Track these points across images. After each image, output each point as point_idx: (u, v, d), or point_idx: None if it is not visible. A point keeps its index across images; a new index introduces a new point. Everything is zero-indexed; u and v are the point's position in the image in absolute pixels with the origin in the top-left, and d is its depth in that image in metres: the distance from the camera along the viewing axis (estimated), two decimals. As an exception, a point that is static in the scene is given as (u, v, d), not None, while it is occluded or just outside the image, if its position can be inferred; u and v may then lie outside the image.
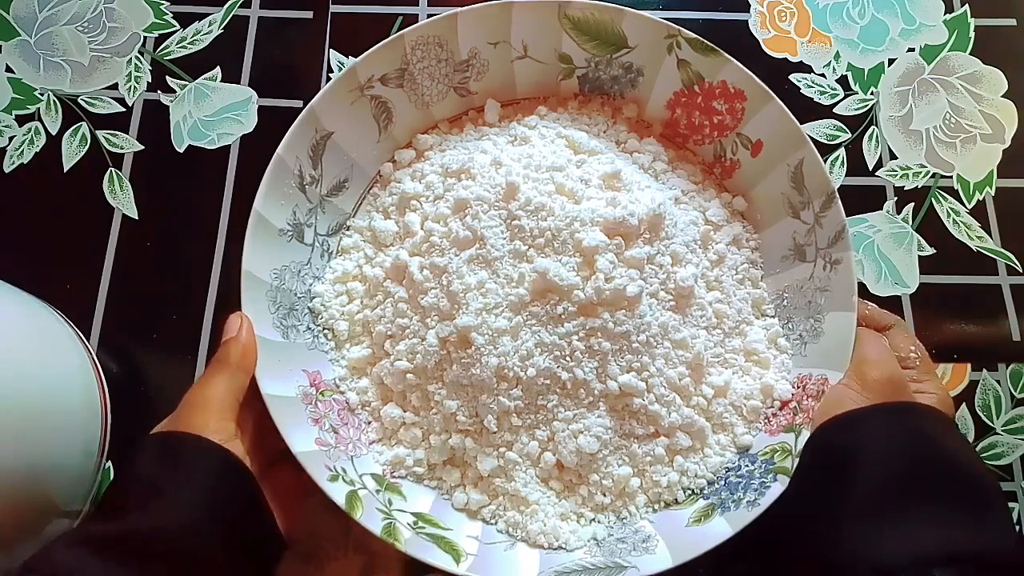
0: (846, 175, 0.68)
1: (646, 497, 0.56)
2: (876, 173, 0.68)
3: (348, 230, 0.62)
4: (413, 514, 0.54)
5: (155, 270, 0.65)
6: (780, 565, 0.52)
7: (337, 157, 0.60)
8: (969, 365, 0.64)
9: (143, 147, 0.67)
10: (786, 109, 0.59)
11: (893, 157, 0.68)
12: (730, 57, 0.59)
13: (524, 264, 0.55)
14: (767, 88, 0.59)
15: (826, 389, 0.54)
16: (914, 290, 0.66)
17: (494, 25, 0.61)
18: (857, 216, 0.68)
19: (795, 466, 0.51)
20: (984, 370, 0.64)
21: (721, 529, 0.51)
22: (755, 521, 0.50)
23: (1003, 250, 0.63)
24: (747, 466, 0.55)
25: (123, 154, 0.65)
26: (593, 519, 0.55)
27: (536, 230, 0.55)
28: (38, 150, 0.63)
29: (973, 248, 0.64)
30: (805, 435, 0.53)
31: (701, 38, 0.60)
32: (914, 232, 0.66)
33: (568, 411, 0.55)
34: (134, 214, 0.66)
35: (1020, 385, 0.64)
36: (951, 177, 0.65)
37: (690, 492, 0.56)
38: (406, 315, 0.57)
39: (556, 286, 0.53)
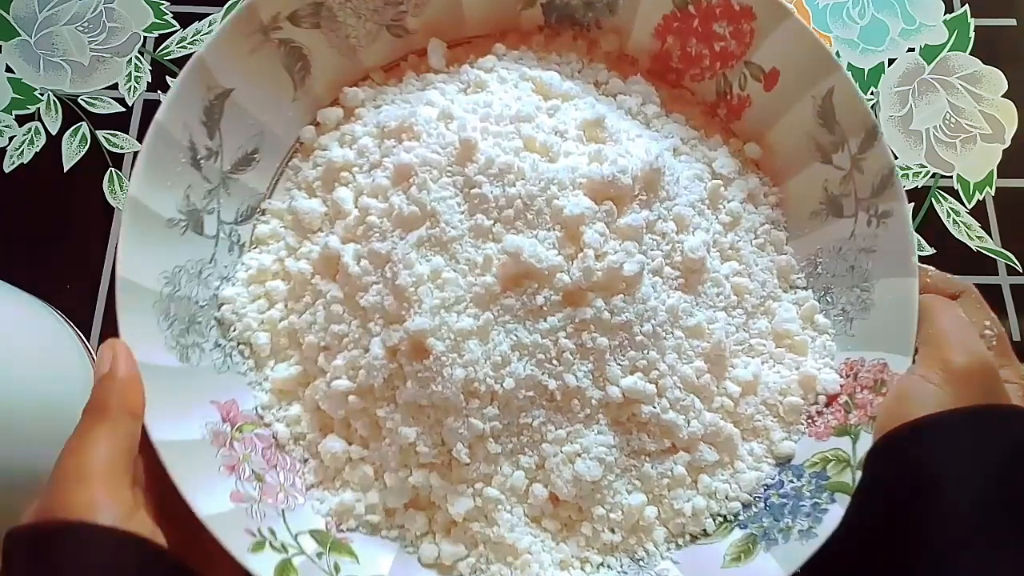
0: (846, 175, 0.65)
1: (667, 530, 0.44)
2: None
3: (263, 215, 0.49)
4: (369, 579, 0.41)
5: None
6: None
7: (240, 122, 0.47)
8: None
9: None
10: (806, 25, 0.47)
11: (893, 157, 0.65)
12: (733, -36, 0.47)
13: (490, 244, 0.43)
14: (781, 1, 0.47)
15: (886, 378, 0.42)
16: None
17: (430, -60, 0.48)
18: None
19: (856, 484, 0.40)
20: None
21: (769, 569, 0.40)
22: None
23: (1003, 250, 0.62)
24: (792, 482, 0.44)
25: (123, 154, 0.64)
26: (601, 564, 0.44)
27: (502, 199, 0.43)
28: (38, 150, 0.63)
29: (973, 248, 0.62)
30: (866, 439, 0.41)
31: (694, -58, 0.47)
32: (914, 232, 0.61)
33: (560, 429, 0.43)
34: None
35: None
36: (951, 177, 0.64)
37: (722, 520, 0.44)
38: (343, 320, 0.44)
39: (533, 270, 0.42)
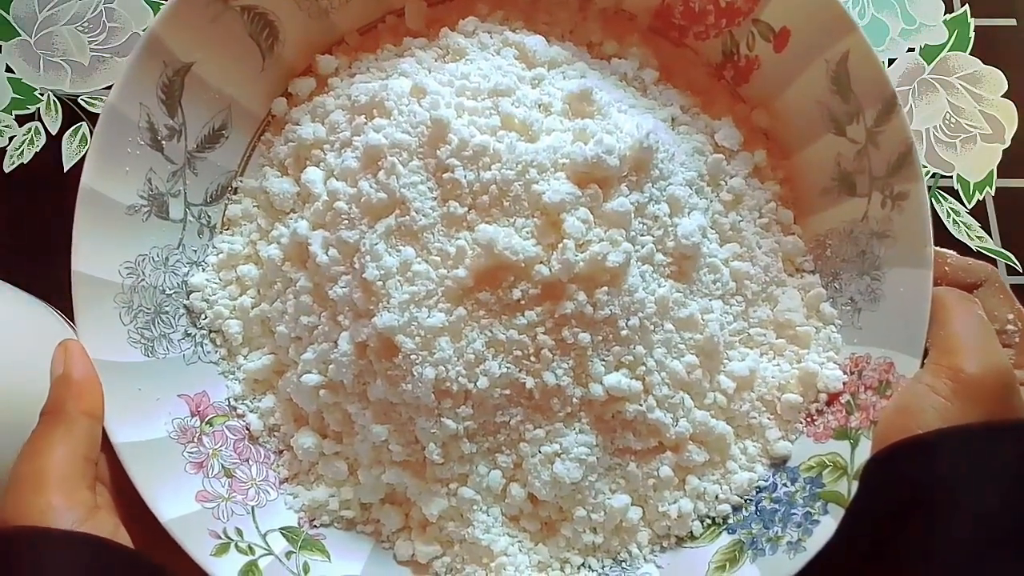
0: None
1: (651, 532, 0.42)
2: None
3: (235, 193, 0.47)
4: (340, 579, 0.40)
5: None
6: None
7: (204, 97, 0.44)
8: None
9: None
10: (822, -20, 0.42)
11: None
12: (739, -90, 0.42)
13: (463, 234, 0.40)
14: (793, -48, 0.42)
15: (892, 379, 0.39)
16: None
17: None
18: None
19: (851, 497, 0.37)
20: None
21: (753, 581, 0.38)
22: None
23: (1003, 250, 0.62)
24: (785, 485, 0.41)
25: None
26: (582, 565, 0.42)
27: (477, 184, 0.40)
28: (38, 150, 0.63)
29: (973, 248, 0.62)
30: (865, 446, 0.38)
31: None
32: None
33: (538, 429, 0.41)
34: None
35: None
36: (951, 177, 0.63)
37: (709, 523, 0.42)
38: (312, 311, 0.42)
39: (508, 261, 0.39)
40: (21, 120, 0.63)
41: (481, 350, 0.39)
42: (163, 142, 0.43)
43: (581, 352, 0.40)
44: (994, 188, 0.63)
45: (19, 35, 0.66)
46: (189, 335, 0.44)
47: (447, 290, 0.39)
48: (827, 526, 0.38)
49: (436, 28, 0.47)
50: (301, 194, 0.45)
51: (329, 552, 0.41)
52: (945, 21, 0.67)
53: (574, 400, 0.40)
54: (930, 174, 0.63)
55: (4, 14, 0.66)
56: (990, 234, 0.62)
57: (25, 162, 0.62)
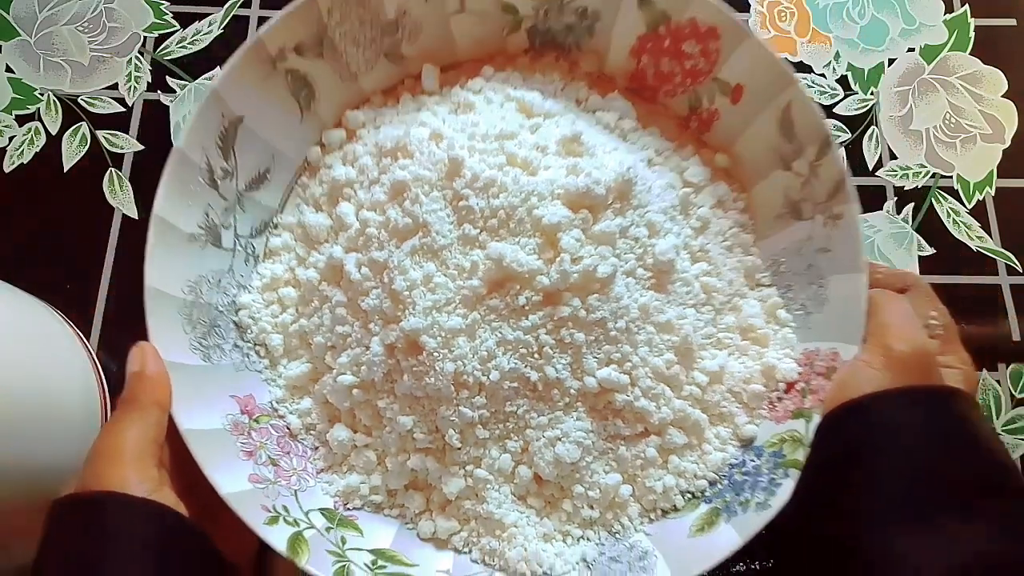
0: (846, 175, 0.67)
1: (640, 506, 0.49)
2: (876, 173, 0.67)
3: (276, 228, 0.54)
4: (372, 551, 0.46)
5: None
6: (784, 571, 0.44)
7: (253, 144, 0.52)
8: None
9: (143, 147, 0.66)
10: (765, 44, 0.51)
11: (893, 157, 0.67)
12: (697, -11, 0.51)
13: (476, 251, 0.47)
14: (742, 23, 0.51)
15: (837, 365, 0.46)
16: (914, 290, 0.63)
17: (422, -25, 0.53)
18: (857, 216, 0.65)
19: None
20: (984, 370, 0.63)
21: (728, 538, 0.44)
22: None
23: (1003, 250, 0.63)
24: (753, 461, 0.48)
25: (123, 154, 0.65)
26: (581, 536, 0.48)
27: (487, 210, 0.47)
28: (38, 150, 0.64)
29: (973, 248, 0.63)
30: (817, 421, 0.45)
31: (662, -30, 0.51)
32: (914, 232, 0.65)
33: (542, 416, 0.47)
34: (134, 214, 0.64)
35: (1020, 385, 0.62)
36: (951, 177, 0.65)
37: (690, 496, 0.49)
38: (346, 322, 0.49)
39: (515, 273, 0.46)
40: (21, 120, 0.64)
41: (492, 348, 0.46)
42: (218, 181, 0.51)
43: (577, 350, 0.47)
44: (994, 188, 0.63)
45: (19, 35, 0.66)
46: (238, 346, 0.51)
47: (463, 298, 0.46)
48: (787, 487, 0.44)
49: (447, 89, 0.56)
50: (334, 226, 0.52)
51: (361, 529, 0.47)
52: (945, 21, 0.67)
53: (572, 391, 0.47)
54: (930, 174, 0.64)
55: (4, 14, 0.66)
56: (990, 234, 0.63)
57: (25, 162, 0.63)
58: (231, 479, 0.44)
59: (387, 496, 0.49)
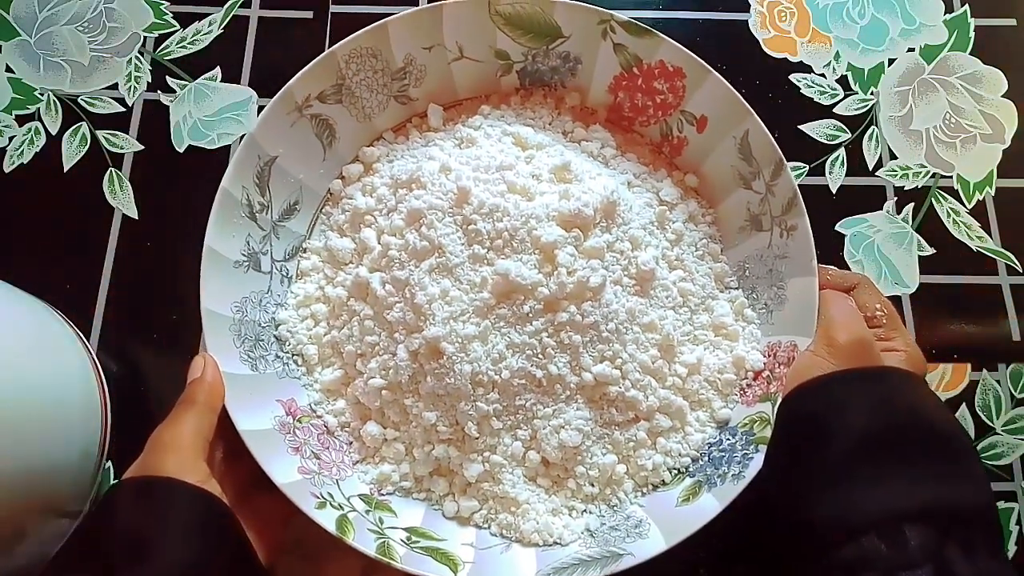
0: (846, 175, 0.68)
1: (633, 482, 0.56)
2: (876, 173, 0.68)
3: (305, 252, 0.62)
4: (406, 529, 0.53)
5: (155, 270, 0.64)
6: (763, 536, 0.52)
7: (284, 181, 0.60)
8: (969, 365, 0.64)
9: (143, 147, 0.67)
10: (725, 82, 0.59)
11: (893, 157, 0.68)
12: (664, 36, 0.59)
13: (485, 267, 0.54)
14: (704, 63, 0.59)
15: (795, 355, 0.54)
16: (914, 290, 0.66)
17: (426, 29, 0.61)
18: (857, 216, 0.67)
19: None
20: (984, 370, 0.64)
21: (710, 505, 0.52)
22: (744, 496, 0.51)
23: (1003, 250, 0.63)
24: (728, 439, 0.56)
25: (123, 154, 0.66)
26: (584, 510, 0.56)
27: (493, 232, 0.55)
28: (38, 150, 0.64)
29: (973, 248, 0.64)
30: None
31: (633, 20, 0.60)
32: (914, 232, 0.66)
33: (547, 408, 0.55)
34: (134, 214, 0.66)
35: (1020, 385, 0.64)
36: (951, 177, 0.65)
37: (676, 472, 0.56)
38: (374, 332, 0.56)
39: (519, 286, 0.53)
40: (21, 120, 0.64)
41: (503, 350, 0.54)
42: (256, 214, 0.58)
43: (575, 349, 0.54)
44: (994, 188, 0.63)
45: (19, 35, 0.66)
46: (279, 357, 0.58)
47: (476, 308, 0.54)
48: (758, 460, 0.52)
49: (450, 125, 0.64)
50: (357, 249, 0.60)
51: (395, 510, 0.55)
52: (945, 21, 0.67)
53: (572, 385, 0.55)
54: (930, 174, 0.63)
55: (4, 14, 0.66)
56: (990, 234, 0.63)
57: (25, 162, 0.63)
58: (283, 471, 0.51)
59: (415, 482, 0.56)
